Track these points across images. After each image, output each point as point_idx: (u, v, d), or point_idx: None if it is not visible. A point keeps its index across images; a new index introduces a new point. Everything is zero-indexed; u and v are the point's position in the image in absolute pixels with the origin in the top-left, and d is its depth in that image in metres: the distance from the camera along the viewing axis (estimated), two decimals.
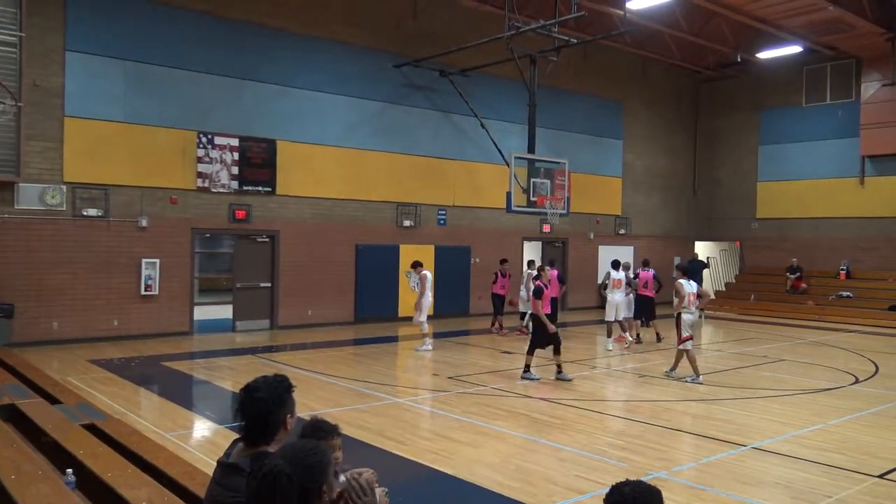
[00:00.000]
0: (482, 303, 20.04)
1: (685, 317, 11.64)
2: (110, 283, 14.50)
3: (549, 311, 11.84)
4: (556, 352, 11.40)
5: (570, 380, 11.25)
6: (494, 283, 17.26)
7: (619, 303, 15.23)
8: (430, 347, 14.32)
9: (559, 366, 11.39)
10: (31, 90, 13.49)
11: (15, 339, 13.21)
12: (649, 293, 15.82)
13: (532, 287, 12.43)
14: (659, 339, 15.89)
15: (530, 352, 11.48)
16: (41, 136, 13.70)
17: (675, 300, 12.16)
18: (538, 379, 11.30)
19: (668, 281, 17.31)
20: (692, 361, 11.45)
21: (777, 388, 11.10)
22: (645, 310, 15.81)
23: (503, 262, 17.41)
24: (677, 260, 25.21)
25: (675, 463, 7.10)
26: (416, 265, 14.97)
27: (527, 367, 11.48)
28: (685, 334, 11.52)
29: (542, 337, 11.40)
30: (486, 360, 13.44)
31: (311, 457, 2.37)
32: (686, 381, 11.33)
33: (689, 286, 11.88)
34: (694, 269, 12.67)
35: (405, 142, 18.89)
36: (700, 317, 21.76)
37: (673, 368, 11.91)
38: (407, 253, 18.99)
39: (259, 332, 16.37)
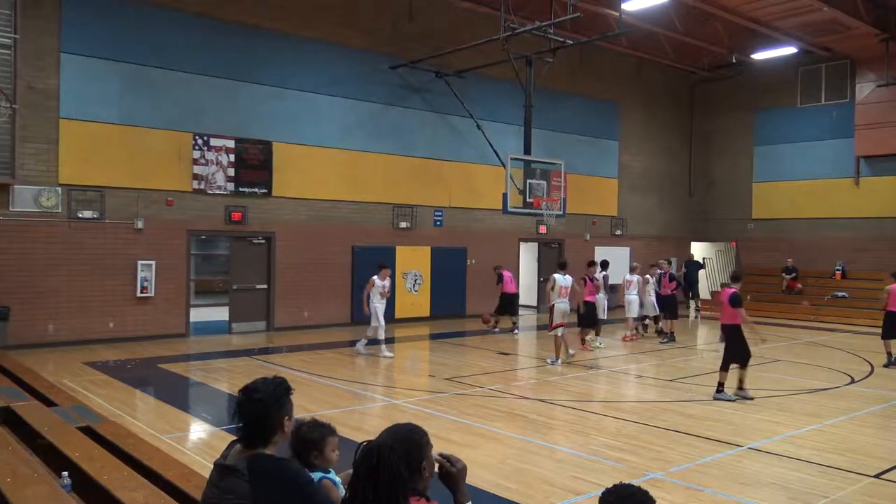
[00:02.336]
0: (481, 304, 20.09)
1: (559, 307, 13.11)
2: (106, 285, 14.47)
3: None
4: (744, 365, 10.23)
5: (751, 398, 10.09)
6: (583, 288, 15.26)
7: (564, 310, 13.39)
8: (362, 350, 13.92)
9: (741, 381, 10.23)
10: (27, 92, 13.46)
11: (10, 342, 13.17)
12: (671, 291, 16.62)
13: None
14: (662, 335, 16.52)
15: (724, 367, 10.25)
16: (36, 138, 13.66)
17: (551, 293, 13.38)
18: (734, 399, 10.04)
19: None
20: (557, 346, 13.02)
21: (773, 389, 11.11)
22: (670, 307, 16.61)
23: (591, 264, 15.38)
24: (674, 261, 25.33)
25: (672, 463, 7.11)
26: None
27: (720, 386, 10.21)
28: (557, 321, 12.99)
29: (739, 350, 10.25)
30: (482, 362, 13.44)
31: (412, 435, 2.53)
32: (547, 363, 12.96)
33: (563, 280, 13.29)
34: (602, 265, 15.14)
35: (401, 143, 18.89)
36: (696, 317, 21.94)
37: (557, 356, 13.11)
38: (404, 254, 19.00)
39: (255, 334, 16.35)
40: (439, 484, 2.69)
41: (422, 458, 2.53)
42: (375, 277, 13.66)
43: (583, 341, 14.99)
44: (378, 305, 13.51)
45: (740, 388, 10.22)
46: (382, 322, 13.52)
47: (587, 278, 14.96)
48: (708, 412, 9.50)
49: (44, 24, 13.70)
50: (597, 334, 15.43)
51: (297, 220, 17.11)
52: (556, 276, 13.47)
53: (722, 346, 10.72)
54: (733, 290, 10.52)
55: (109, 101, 14.50)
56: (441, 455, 2.65)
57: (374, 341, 13.75)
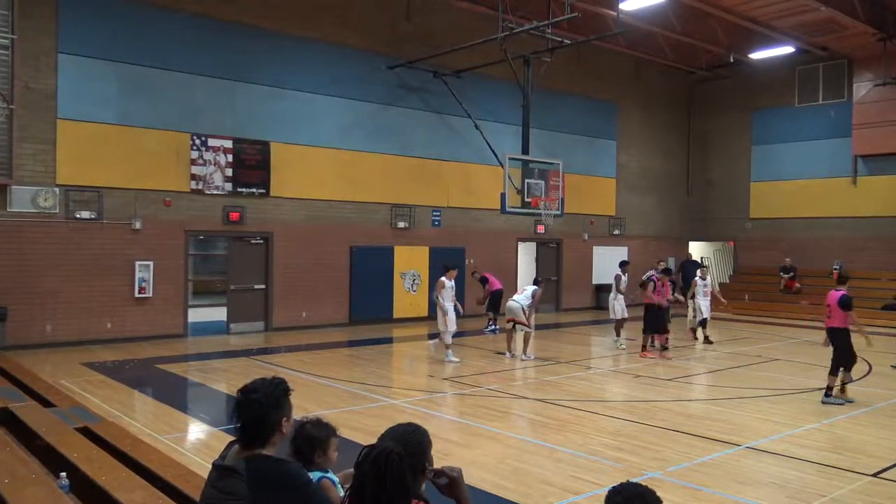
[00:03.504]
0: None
1: (510, 304, 13.85)
2: (104, 285, 14.45)
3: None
4: (848, 369, 10.02)
5: (852, 401, 9.82)
6: (655, 290, 14.30)
7: (510, 307, 13.70)
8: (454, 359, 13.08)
9: (843, 384, 10.01)
10: (24, 92, 13.44)
11: (8, 343, 13.15)
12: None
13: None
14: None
15: (833, 371, 9.92)
16: (34, 138, 13.64)
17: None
18: (842, 404, 9.79)
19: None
20: (525, 341, 13.62)
21: (771, 388, 11.14)
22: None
23: (667, 271, 14.70)
24: (672, 260, 25.38)
25: (671, 463, 7.11)
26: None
27: (829, 390, 9.93)
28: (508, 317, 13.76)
29: (847, 354, 9.99)
30: (480, 362, 13.43)
31: (414, 437, 2.59)
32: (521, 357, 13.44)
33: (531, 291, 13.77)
34: (687, 270, 14.20)
35: (399, 143, 18.89)
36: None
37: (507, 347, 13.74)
38: (402, 254, 19.00)
39: (253, 335, 16.33)
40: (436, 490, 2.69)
41: (425, 460, 2.53)
42: (444, 278, 13.25)
43: (664, 347, 14.17)
44: (449, 307, 13.08)
45: (842, 391, 9.96)
46: (453, 326, 13.14)
47: (658, 281, 14.42)
48: (706, 411, 9.51)
49: (41, 24, 13.68)
50: (617, 334, 15.35)
51: (295, 221, 17.10)
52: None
53: (829, 350, 10.29)
54: (842, 292, 10.13)
55: (107, 102, 14.48)
56: (436, 472, 2.65)
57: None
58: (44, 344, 13.67)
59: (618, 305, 15.37)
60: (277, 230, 16.82)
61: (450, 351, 13.15)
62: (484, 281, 17.84)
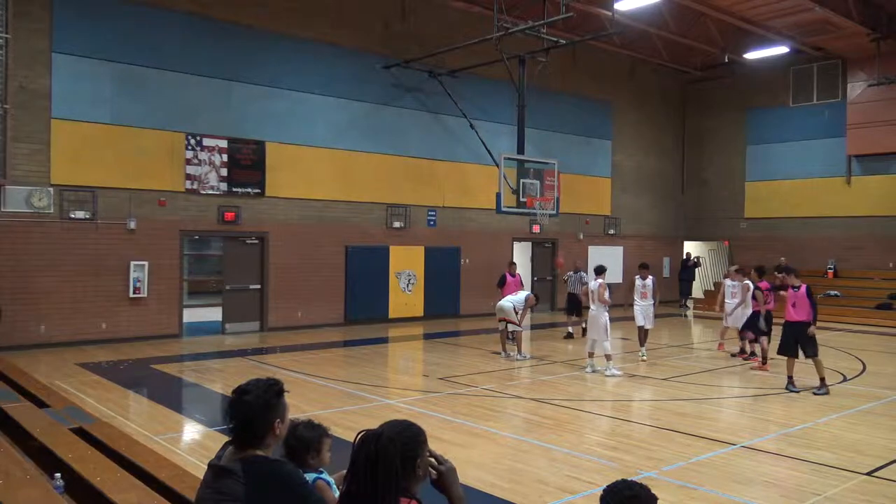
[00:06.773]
0: (474, 303, 20.10)
1: (502, 303, 13.82)
2: (98, 285, 14.41)
3: None
4: None
5: None
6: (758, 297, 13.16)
7: (506, 309, 13.30)
8: (617, 372, 12.01)
9: None
10: (18, 92, 13.39)
11: (2, 343, 13.10)
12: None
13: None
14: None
15: None
16: (28, 138, 13.60)
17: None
18: None
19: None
20: (518, 341, 13.62)
21: (766, 387, 11.17)
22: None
23: (784, 269, 13.13)
24: (667, 260, 25.46)
25: (665, 462, 7.13)
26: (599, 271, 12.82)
27: None
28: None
29: None
30: (476, 361, 13.44)
31: (409, 431, 2.57)
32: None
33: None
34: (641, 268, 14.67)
35: (395, 143, 18.88)
36: (686, 315, 22.03)
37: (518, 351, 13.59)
38: (397, 254, 18.99)
39: (249, 335, 16.31)
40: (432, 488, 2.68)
41: (417, 455, 2.52)
42: (599, 283, 12.24)
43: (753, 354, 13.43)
44: (606, 313, 12.17)
45: None
46: (608, 335, 12.16)
47: (768, 287, 12.84)
48: (701, 411, 9.53)
49: (35, 23, 13.64)
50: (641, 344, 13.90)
51: (290, 220, 17.07)
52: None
53: None
54: None
55: (101, 101, 14.44)
56: (431, 453, 2.66)
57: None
58: (38, 344, 13.62)
59: (637, 312, 13.99)
60: (272, 230, 16.80)
61: (611, 363, 12.08)
62: (503, 279, 15.74)
